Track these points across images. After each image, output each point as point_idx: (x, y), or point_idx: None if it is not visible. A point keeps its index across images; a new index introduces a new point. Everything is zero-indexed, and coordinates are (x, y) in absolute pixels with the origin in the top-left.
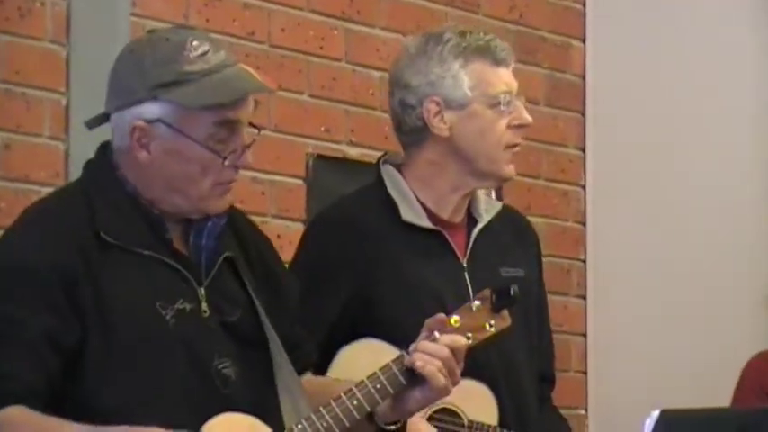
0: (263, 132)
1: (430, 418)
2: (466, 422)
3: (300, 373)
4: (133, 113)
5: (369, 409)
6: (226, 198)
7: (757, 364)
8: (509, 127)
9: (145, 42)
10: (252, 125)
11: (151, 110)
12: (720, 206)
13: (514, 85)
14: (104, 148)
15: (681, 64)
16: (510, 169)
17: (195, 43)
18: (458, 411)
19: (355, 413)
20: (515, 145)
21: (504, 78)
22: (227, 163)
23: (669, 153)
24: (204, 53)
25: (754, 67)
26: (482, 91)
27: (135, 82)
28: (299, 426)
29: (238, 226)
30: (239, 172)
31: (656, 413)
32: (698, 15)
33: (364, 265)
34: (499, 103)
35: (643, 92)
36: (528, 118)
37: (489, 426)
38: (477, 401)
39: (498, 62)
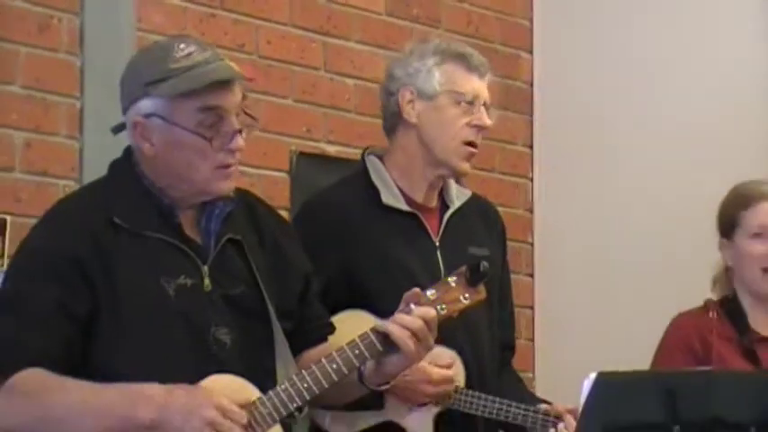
0: (254, 132)
1: None
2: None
3: (317, 343)
4: (133, 111)
5: (347, 371)
6: (229, 181)
7: (682, 322)
8: (469, 125)
9: (142, 50)
10: (246, 114)
11: (146, 105)
12: (651, 199)
13: (484, 93)
14: (128, 150)
15: (614, 71)
16: (464, 166)
17: (182, 46)
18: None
19: (334, 375)
20: (472, 143)
21: (474, 84)
22: (215, 144)
23: (606, 149)
24: (189, 53)
25: (681, 72)
26: (450, 88)
27: (132, 84)
28: (283, 386)
29: (256, 212)
30: (236, 156)
31: (593, 375)
32: (627, 31)
33: (348, 244)
34: (463, 102)
35: (583, 96)
36: (487, 121)
37: (457, 386)
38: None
39: (471, 69)
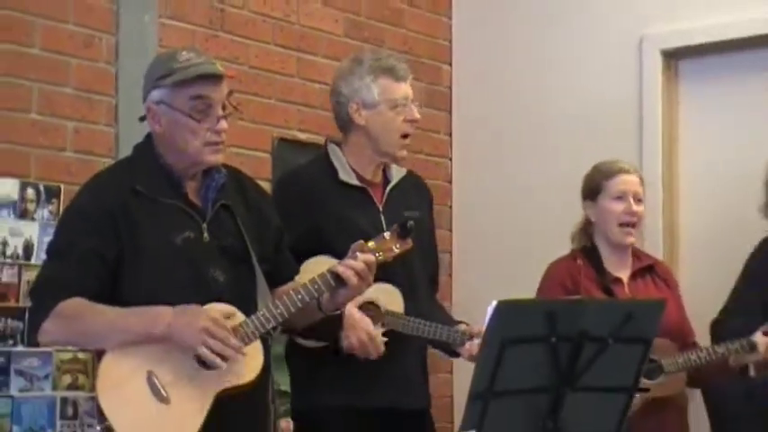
0: (245, 123)
1: (360, 307)
2: (383, 311)
3: (287, 281)
4: (148, 100)
5: (308, 300)
6: (217, 155)
7: (557, 266)
8: (404, 121)
9: (157, 56)
10: (230, 104)
11: (156, 95)
12: (543, 173)
13: (410, 93)
14: (149, 135)
15: (515, 79)
16: (402, 153)
17: (184, 53)
18: (378, 303)
19: (299, 303)
20: (407, 135)
21: (402, 89)
22: (204, 125)
23: (508, 136)
24: (189, 58)
25: (566, 77)
26: (385, 97)
27: (148, 79)
28: (262, 312)
29: (243, 184)
30: (222, 136)
31: (494, 302)
32: (526, 47)
33: (314, 209)
34: (397, 106)
35: (490, 97)
36: (417, 115)
37: (397, 312)
38: (390, 297)
39: (398, 78)
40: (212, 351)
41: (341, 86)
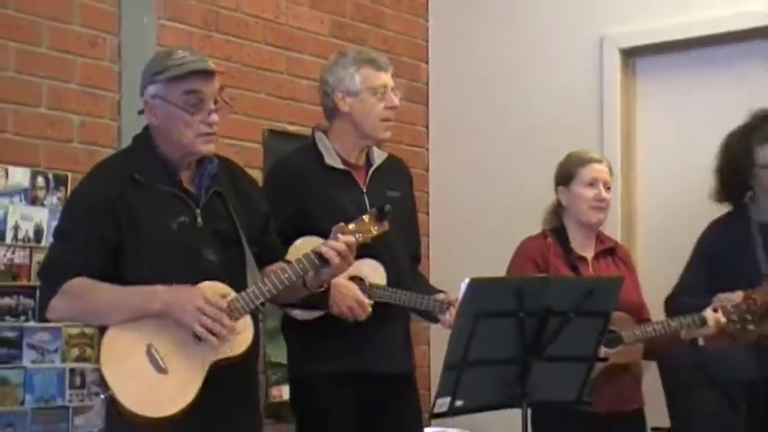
0: (238, 116)
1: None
2: (368, 284)
3: (273, 261)
4: (146, 94)
5: (295, 278)
6: (208, 145)
7: (528, 244)
8: (385, 107)
9: (155, 54)
10: (222, 99)
11: (152, 89)
12: (510, 160)
13: (390, 82)
14: (146, 127)
15: (485, 77)
16: (386, 134)
17: (180, 51)
18: (363, 277)
19: (286, 281)
20: (388, 119)
21: (382, 78)
22: (196, 118)
23: (479, 129)
24: (183, 56)
25: (532, 76)
26: (367, 85)
27: (145, 76)
28: (251, 289)
29: (234, 173)
30: (213, 128)
31: (467, 279)
32: (495, 48)
33: (301, 193)
34: (378, 93)
35: (463, 93)
36: (396, 102)
37: (381, 285)
38: (374, 272)
39: (379, 68)
40: (206, 329)
41: (327, 77)
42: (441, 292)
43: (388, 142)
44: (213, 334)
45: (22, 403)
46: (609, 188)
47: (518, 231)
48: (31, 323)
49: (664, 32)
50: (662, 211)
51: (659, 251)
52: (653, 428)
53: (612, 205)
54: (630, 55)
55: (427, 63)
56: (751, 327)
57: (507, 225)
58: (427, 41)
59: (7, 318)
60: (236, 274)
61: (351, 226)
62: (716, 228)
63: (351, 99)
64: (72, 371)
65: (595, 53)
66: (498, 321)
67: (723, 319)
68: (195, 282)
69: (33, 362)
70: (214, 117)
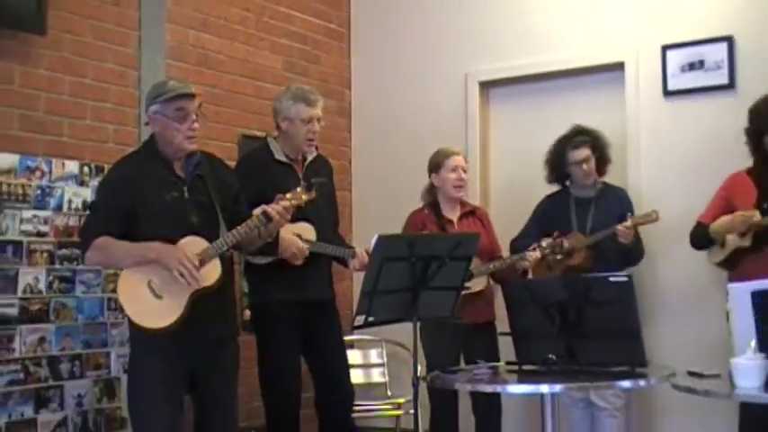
0: (221, 125)
1: None
2: (304, 239)
3: (242, 222)
4: (149, 112)
5: (249, 231)
6: (193, 144)
7: (415, 214)
8: (308, 131)
9: (154, 85)
10: (201, 113)
11: (152, 108)
12: (409, 156)
13: (317, 114)
14: (152, 135)
15: (392, 99)
16: (310, 149)
17: (171, 82)
18: (300, 234)
19: (243, 234)
20: (311, 139)
21: (311, 112)
22: (183, 127)
23: (388, 131)
24: (174, 85)
25: (430, 86)
26: (300, 117)
27: (148, 99)
28: (219, 240)
29: (213, 163)
30: (195, 132)
31: (377, 235)
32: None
33: (260, 177)
34: (305, 122)
35: (377, 110)
36: (316, 129)
37: (312, 240)
38: (307, 231)
39: (309, 104)
40: (181, 275)
41: (276, 104)
42: (351, 247)
43: (323, 143)
44: (184, 277)
45: (76, 320)
46: (465, 171)
47: (408, 205)
48: (81, 266)
49: (511, 70)
50: (509, 189)
51: (507, 213)
52: (499, 333)
53: (474, 184)
54: (486, 86)
55: (350, 89)
56: (559, 257)
57: (403, 201)
58: (350, 74)
59: (65, 262)
60: (211, 231)
61: (288, 195)
62: (548, 199)
63: (287, 123)
64: (109, 299)
65: (462, 85)
66: (397, 264)
67: (539, 254)
68: (182, 236)
69: (83, 292)
70: (195, 125)
